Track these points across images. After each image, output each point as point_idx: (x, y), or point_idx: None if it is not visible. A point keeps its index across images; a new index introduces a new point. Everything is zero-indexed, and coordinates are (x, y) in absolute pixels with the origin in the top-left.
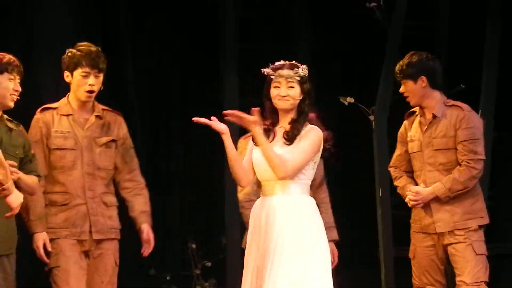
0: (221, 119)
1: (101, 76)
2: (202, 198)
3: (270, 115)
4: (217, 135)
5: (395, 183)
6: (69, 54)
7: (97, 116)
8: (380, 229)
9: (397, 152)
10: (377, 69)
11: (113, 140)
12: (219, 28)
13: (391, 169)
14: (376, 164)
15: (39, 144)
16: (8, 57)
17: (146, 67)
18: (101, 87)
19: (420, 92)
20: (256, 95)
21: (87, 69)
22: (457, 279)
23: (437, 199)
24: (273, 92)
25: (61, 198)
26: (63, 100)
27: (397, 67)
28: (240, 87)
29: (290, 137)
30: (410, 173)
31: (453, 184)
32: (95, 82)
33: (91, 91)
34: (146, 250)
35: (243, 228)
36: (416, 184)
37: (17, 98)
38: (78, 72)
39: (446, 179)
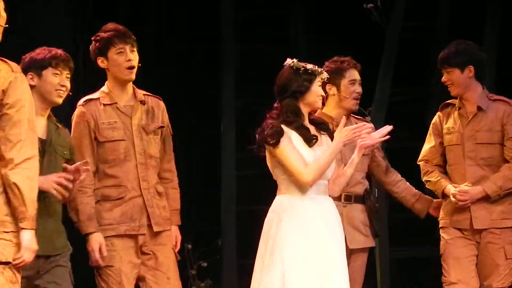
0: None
1: (136, 51)
2: (198, 198)
3: (292, 115)
4: (213, 137)
5: (426, 178)
6: (97, 38)
7: (141, 102)
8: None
9: (429, 144)
10: (375, 70)
11: (161, 126)
12: (217, 28)
13: (422, 163)
14: None
15: (87, 138)
16: (54, 51)
17: (143, 67)
18: (138, 64)
19: (465, 82)
20: (253, 96)
21: (120, 45)
22: (484, 281)
23: (484, 198)
24: (318, 90)
25: (115, 192)
26: (103, 89)
27: (443, 55)
28: (236, 88)
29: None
30: (441, 167)
31: (504, 182)
32: (132, 56)
33: (131, 67)
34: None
35: (239, 229)
36: (450, 179)
37: (69, 94)
38: (113, 52)
39: (495, 177)
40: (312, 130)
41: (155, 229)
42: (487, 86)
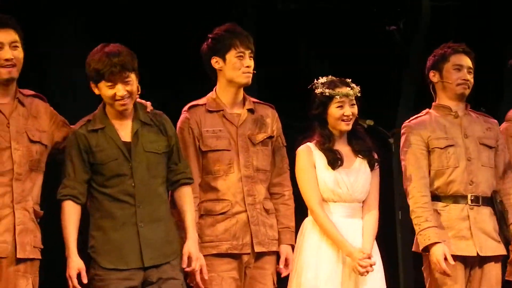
0: None
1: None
2: None
3: (321, 137)
4: None
5: None
6: (215, 37)
7: (249, 110)
8: (400, 256)
9: None
10: (397, 92)
11: (270, 137)
12: None
13: None
14: (395, 187)
15: (191, 148)
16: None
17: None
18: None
19: None
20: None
21: (241, 49)
22: None
23: None
24: (337, 112)
25: (218, 206)
26: (210, 95)
27: None
28: None
29: (373, 165)
30: None
31: None
32: (250, 63)
33: (248, 72)
34: (282, 271)
35: None
36: None
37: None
38: (232, 54)
39: None
40: (347, 151)
41: (257, 249)
42: (507, 109)
